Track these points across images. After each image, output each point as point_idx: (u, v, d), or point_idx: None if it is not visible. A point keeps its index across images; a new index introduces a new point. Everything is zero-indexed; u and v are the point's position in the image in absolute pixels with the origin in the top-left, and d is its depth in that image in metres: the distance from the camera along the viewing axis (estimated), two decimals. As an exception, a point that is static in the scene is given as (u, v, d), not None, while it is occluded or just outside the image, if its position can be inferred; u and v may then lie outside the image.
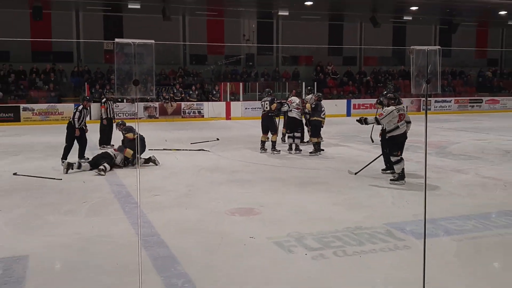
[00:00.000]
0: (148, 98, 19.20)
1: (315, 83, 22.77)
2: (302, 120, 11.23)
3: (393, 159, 7.81)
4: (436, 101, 24.85)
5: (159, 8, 21.73)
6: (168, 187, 7.71)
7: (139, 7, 21.98)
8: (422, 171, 8.68)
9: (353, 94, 25.19)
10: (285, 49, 26.95)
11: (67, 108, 19.51)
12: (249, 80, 24.91)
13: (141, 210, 6.27)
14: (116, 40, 3.48)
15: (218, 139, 13.45)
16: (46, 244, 4.99)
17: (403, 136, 7.87)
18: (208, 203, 6.68)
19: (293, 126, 11.13)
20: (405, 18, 26.16)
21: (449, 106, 25.26)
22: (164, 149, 11.54)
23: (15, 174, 8.51)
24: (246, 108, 21.92)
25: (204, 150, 11.54)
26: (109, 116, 12.24)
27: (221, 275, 4.26)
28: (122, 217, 6.00)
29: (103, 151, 9.72)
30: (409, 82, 20.34)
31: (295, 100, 11.20)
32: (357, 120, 8.20)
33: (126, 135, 9.54)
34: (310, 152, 10.95)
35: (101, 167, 8.64)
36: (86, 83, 20.87)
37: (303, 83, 22.34)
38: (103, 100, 12.62)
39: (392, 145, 7.84)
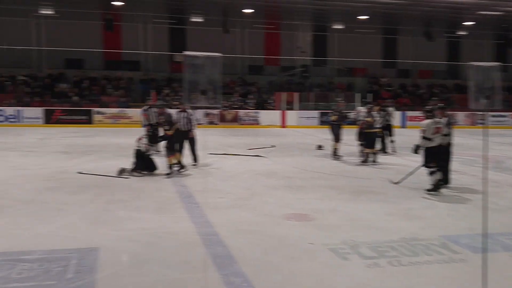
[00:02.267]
0: (212, 107, 19.84)
1: (371, 94, 22.36)
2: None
3: (428, 170, 7.67)
4: (493, 116, 23.73)
5: (220, 22, 22.18)
6: (227, 189, 7.79)
7: (201, 20, 22.54)
8: (478, 185, 8.29)
9: (407, 106, 24.52)
10: (340, 62, 26.68)
11: (136, 113, 20.21)
12: (304, 90, 24.85)
13: (202, 210, 6.37)
14: (185, 53, 3.58)
15: (274, 146, 13.47)
16: (116, 238, 5.17)
17: (438, 148, 7.67)
18: (264, 206, 6.69)
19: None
20: (459, 33, 25.25)
21: (505, 120, 24.04)
22: (223, 154, 11.69)
23: (79, 172, 8.86)
24: (300, 117, 21.87)
25: (260, 156, 11.59)
26: (152, 123, 11.55)
27: (277, 276, 4.24)
28: (185, 216, 6.12)
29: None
30: (465, 96, 19.59)
31: (362, 110, 11.12)
32: (415, 152, 7.82)
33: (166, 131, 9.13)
34: (361, 162, 10.75)
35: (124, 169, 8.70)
36: (152, 90, 21.53)
37: (358, 95, 22.01)
38: (145, 108, 11.85)
39: (427, 157, 7.66)
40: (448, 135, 7.93)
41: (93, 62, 24.07)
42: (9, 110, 19.74)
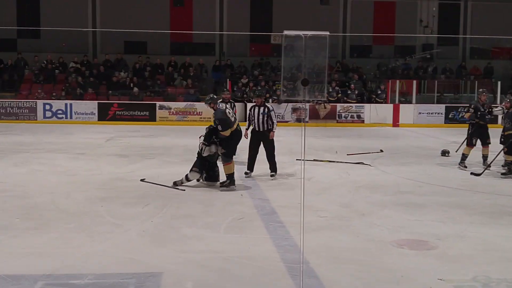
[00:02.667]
0: (318, 101, 19.92)
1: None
2: None
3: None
4: None
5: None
6: (320, 205, 7.82)
7: (292, -12, 22.77)
8: None
9: None
10: (476, 39, 25.55)
11: (206, 108, 20.82)
12: (426, 77, 24.15)
13: (287, 231, 6.46)
14: (286, 32, 3.66)
15: (382, 151, 13.28)
16: (182, 261, 5.40)
17: None
18: (368, 229, 6.65)
19: None
20: None
21: None
22: (314, 160, 11.74)
23: (142, 180, 9.34)
24: (420, 113, 21.31)
25: (363, 164, 11.50)
26: None
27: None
28: (266, 237, 6.26)
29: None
30: None
31: None
32: None
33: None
34: (502, 174, 10.28)
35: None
36: (228, 79, 22.07)
37: (498, 82, 21.01)
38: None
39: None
40: None
41: (158, 45, 25.09)
42: (58, 104, 21.04)
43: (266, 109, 9.94)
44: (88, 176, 9.87)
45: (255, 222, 6.91)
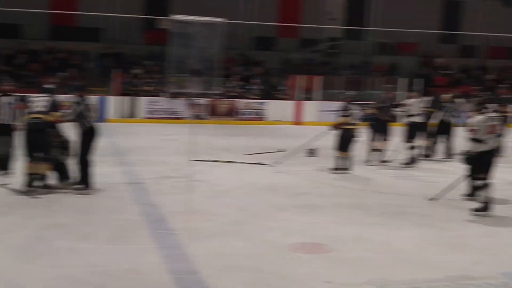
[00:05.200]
0: (207, 94, 19.87)
1: (421, 79, 22.38)
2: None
3: (476, 183, 7.93)
4: None
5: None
6: (215, 210, 7.87)
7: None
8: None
9: (469, 96, 24.52)
10: (382, 33, 26.64)
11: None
12: (330, 73, 24.82)
13: (177, 239, 6.45)
14: (172, 17, 3.58)
15: (282, 150, 13.51)
16: (53, 278, 5.18)
17: (490, 154, 7.88)
18: (264, 233, 6.76)
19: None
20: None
21: None
22: (212, 161, 11.78)
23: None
24: (322, 111, 21.89)
25: (262, 164, 11.67)
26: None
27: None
28: (152, 247, 6.17)
29: None
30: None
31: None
32: (467, 161, 8.15)
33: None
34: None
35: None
36: (115, 70, 21.49)
37: (403, 79, 22.06)
38: None
39: (476, 165, 7.88)
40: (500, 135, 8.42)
41: (35, 29, 24.02)
42: None
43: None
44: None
45: (141, 231, 6.78)
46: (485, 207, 7.78)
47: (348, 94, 12.07)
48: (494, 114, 8.19)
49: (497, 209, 8.08)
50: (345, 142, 10.94)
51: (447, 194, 8.61)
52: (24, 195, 8.23)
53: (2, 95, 9.33)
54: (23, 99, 9.19)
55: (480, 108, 8.14)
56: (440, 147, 13.10)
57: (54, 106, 8.64)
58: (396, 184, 10.15)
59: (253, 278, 5.32)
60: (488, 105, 8.23)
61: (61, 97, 9.02)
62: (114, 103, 20.70)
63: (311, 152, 12.98)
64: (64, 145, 8.75)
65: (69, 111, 8.57)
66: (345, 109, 11.13)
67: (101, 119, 20.06)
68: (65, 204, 8.02)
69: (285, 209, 8.02)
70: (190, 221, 7.14)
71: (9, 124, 9.18)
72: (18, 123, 8.99)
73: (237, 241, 6.45)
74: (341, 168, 10.96)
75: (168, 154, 12.61)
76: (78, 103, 8.59)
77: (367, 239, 6.62)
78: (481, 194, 7.83)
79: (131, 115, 20.94)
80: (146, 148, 13.86)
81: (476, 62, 27.70)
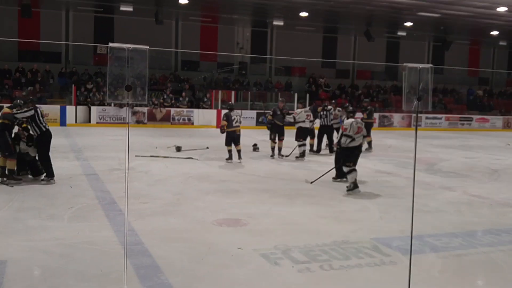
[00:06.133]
0: (138, 104, 19.47)
1: (308, 94, 22.96)
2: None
3: (345, 169, 8.30)
4: (427, 118, 25.15)
5: (152, 12, 21.80)
6: (154, 194, 7.70)
7: (131, 9, 22.02)
8: (411, 187, 8.76)
9: (342, 107, 25.43)
10: (279, 60, 27.12)
11: (53, 110, 19.41)
12: (242, 88, 25.00)
13: (125, 217, 6.26)
14: (110, 44, 3.50)
15: (207, 148, 13.48)
16: (26, 249, 4.96)
17: (358, 149, 8.41)
18: (195, 212, 6.70)
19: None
20: (399, 33, 26.53)
21: (439, 123, 25.55)
22: (151, 156, 11.53)
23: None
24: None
25: (192, 158, 11.55)
26: None
27: (205, 286, 4.27)
28: (106, 224, 5.99)
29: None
30: (400, 97, 20.62)
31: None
32: (338, 149, 8.77)
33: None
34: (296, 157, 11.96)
35: None
36: (73, 85, 20.79)
37: (295, 94, 22.49)
38: None
39: (347, 156, 8.31)
40: (365, 135, 8.98)
41: (6, 52, 22.81)
42: None
43: None
44: None
45: (97, 212, 6.56)
46: (353, 187, 8.12)
47: (230, 104, 12.92)
48: (359, 119, 8.74)
49: (367, 190, 8.42)
50: (229, 139, 11.30)
51: (317, 178, 8.93)
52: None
53: None
54: None
55: (349, 114, 8.62)
56: (322, 144, 13.45)
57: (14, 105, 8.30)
58: (292, 172, 10.32)
59: (185, 247, 5.26)
60: (354, 113, 8.73)
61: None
62: (72, 111, 19.93)
63: (255, 147, 13.25)
64: (29, 140, 8.26)
65: (24, 112, 8.08)
66: (228, 116, 11.41)
67: (63, 123, 19.36)
68: (34, 191, 7.62)
69: (211, 193, 7.98)
70: (135, 203, 6.96)
71: None
72: None
73: (173, 219, 6.36)
74: (231, 158, 11.31)
75: (116, 151, 12.21)
76: (34, 109, 8.14)
77: (273, 215, 6.69)
78: (350, 177, 8.18)
79: (86, 121, 20.23)
80: (98, 146, 13.35)
81: (349, 82, 28.65)
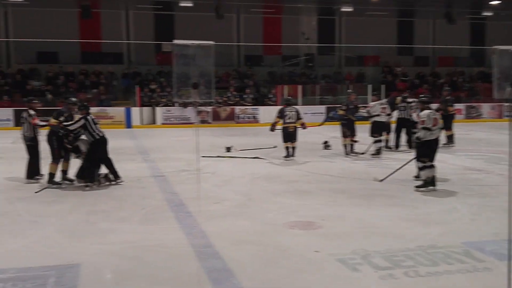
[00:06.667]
0: (202, 103, 19.97)
1: (383, 85, 22.47)
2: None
3: (419, 165, 8.17)
4: (521, 107, 23.82)
5: (212, 6, 22.25)
6: (222, 196, 7.89)
7: (191, 5, 22.59)
8: (505, 185, 8.37)
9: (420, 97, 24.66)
10: (349, 49, 26.74)
11: (118, 112, 20.34)
12: (309, 82, 24.91)
13: (195, 219, 6.47)
14: (175, 41, 3.63)
15: (275, 146, 13.55)
16: (98, 252, 5.26)
17: (436, 142, 8.17)
18: (264, 214, 6.79)
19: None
20: (484, 14, 25.34)
21: (536, 112, 24.12)
22: (217, 156, 11.78)
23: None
24: (305, 113, 21.84)
25: (259, 158, 11.68)
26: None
27: (280, 291, 4.33)
28: (176, 226, 6.21)
29: None
30: (490, 85, 19.74)
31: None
32: (417, 144, 8.40)
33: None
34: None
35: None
36: (136, 86, 21.64)
37: (369, 86, 22.11)
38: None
39: (423, 151, 8.12)
40: (442, 128, 8.66)
41: (69, 55, 24.10)
42: (-26, 112, 19.81)
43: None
44: (6, 178, 9.29)
45: (166, 214, 6.83)
46: (426, 184, 7.99)
47: (286, 98, 12.88)
48: (435, 110, 8.47)
49: (455, 189, 8.13)
50: (284, 136, 11.54)
51: (388, 175, 8.88)
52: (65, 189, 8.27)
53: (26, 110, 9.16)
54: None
55: (425, 106, 8.41)
56: (401, 139, 13.13)
57: (58, 115, 8.76)
58: (368, 171, 10.16)
59: (257, 250, 5.34)
60: (431, 104, 8.50)
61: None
62: (137, 113, 20.81)
63: (326, 145, 13.29)
64: (76, 152, 8.61)
65: (74, 123, 8.47)
66: (281, 112, 11.60)
67: (128, 125, 20.29)
68: (103, 194, 8.06)
69: (280, 194, 8.03)
70: (204, 205, 7.16)
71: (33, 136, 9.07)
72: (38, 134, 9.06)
73: (243, 221, 6.48)
74: (288, 156, 11.52)
75: (182, 152, 12.61)
76: (84, 119, 8.43)
77: (349, 217, 6.63)
78: (423, 174, 8.04)
79: (151, 122, 21.02)
80: (164, 147, 13.85)
81: (429, 70, 27.76)
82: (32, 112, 9.11)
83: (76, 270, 4.76)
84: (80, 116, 8.50)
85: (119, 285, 4.53)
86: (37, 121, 8.98)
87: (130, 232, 5.99)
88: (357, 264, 4.88)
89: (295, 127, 11.64)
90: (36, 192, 8.08)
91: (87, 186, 8.29)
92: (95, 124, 8.52)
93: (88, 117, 8.48)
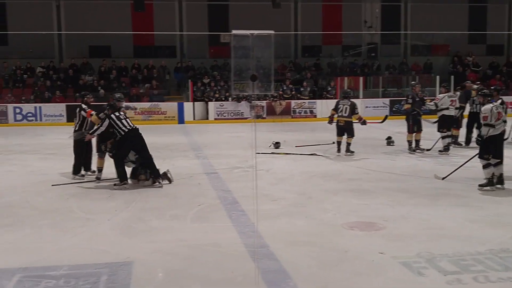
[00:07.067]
0: (265, 95, 20.05)
1: (452, 76, 21.81)
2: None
3: (482, 162, 7.96)
4: None
5: (269, -6, 22.27)
6: (277, 194, 7.93)
7: (246, -7, 22.75)
8: None
9: (500, 90, 23.71)
10: (415, 37, 26.10)
11: (171, 107, 20.79)
12: (371, 73, 24.54)
13: (249, 218, 6.55)
14: (234, 32, 3.67)
15: (333, 143, 13.46)
16: (151, 251, 5.42)
17: (500, 138, 8.02)
18: (322, 214, 6.78)
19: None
20: None
21: None
22: (272, 153, 11.84)
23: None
24: (367, 107, 21.63)
25: (316, 155, 11.65)
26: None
27: (338, 295, 4.33)
28: (229, 225, 6.32)
29: None
30: None
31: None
32: (479, 141, 8.33)
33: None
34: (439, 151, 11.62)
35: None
36: (189, 80, 22.01)
37: (437, 77, 21.53)
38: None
39: (486, 147, 7.93)
40: (505, 121, 8.39)
41: (122, 49, 24.79)
42: (28, 107, 20.68)
43: None
44: (59, 175, 9.70)
45: (219, 212, 6.96)
46: (489, 183, 7.84)
47: (344, 91, 12.75)
48: (498, 103, 8.30)
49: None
50: (337, 129, 11.70)
51: (450, 173, 8.74)
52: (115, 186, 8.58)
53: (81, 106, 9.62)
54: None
55: (487, 99, 8.25)
56: (472, 135, 12.71)
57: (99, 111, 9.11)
58: (435, 169, 9.91)
59: (315, 251, 5.36)
60: (492, 97, 8.38)
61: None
62: (190, 108, 21.14)
63: (389, 141, 13.16)
64: (110, 151, 8.81)
65: (100, 126, 8.78)
66: (336, 104, 11.72)
67: (181, 121, 20.68)
68: (156, 191, 8.30)
69: (338, 193, 8.00)
70: (258, 203, 7.21)
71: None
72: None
73: (299, 220, 6.51)
74: (337, 151, 11.67)
75: (235, 148, 12.77)
76: (108, 118, 8.66)
77: (413, 218, 6.53)
78: (486, 172, 7.88)
79: (204, 117, 21.34)
80: (217, 143, 14.06)
81: (504, 59, 26.72)
82: (84, 106, 9.50)
83: (129, 268, 4.93)
84: (102, 117, 8.82)
85: (171, 284, 4.65)
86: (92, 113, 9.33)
87: (182, 230, 6.14)
88: (422, 268, 4.82)
89: (347, 122, 11.56)
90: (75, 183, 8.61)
91: (115, 185, 8.53)
92: (121, 120, 8.66)
93: (112, 115, 8.66)
